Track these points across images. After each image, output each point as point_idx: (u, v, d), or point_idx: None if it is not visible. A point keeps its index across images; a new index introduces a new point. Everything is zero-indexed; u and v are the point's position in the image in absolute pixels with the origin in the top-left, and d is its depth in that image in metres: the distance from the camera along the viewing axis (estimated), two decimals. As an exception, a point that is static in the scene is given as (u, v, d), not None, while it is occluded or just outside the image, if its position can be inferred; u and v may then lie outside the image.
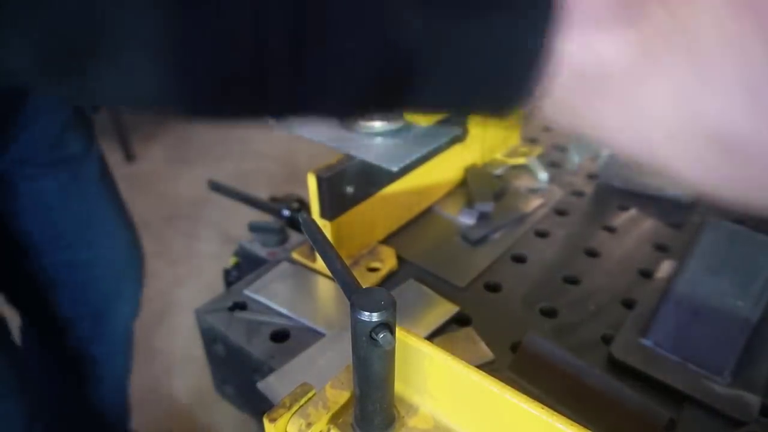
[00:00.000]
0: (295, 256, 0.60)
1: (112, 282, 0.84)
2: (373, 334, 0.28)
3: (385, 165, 0.50)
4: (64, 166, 0.75)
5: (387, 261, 0.58)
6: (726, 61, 0.19)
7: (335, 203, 0.54)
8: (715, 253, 0.52)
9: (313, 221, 0.37)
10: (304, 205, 0.67)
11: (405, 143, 0.55)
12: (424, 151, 0.54)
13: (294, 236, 0.66)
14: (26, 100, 0.68)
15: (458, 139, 0.58)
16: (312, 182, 0.53)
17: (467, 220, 0.65)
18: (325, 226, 0.55)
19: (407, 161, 0.51)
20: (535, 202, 0.70)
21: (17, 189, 0.72)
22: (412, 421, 0.35)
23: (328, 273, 0.38)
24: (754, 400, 0.41)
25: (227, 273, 0.70)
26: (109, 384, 0.95)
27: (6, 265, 0.75)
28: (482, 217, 0.65)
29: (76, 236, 0.78)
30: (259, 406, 0.49)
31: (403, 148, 0.54)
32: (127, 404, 1.04)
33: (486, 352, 0.47)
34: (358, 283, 0.32)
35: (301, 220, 0.37)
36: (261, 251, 0.64)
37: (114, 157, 0.80)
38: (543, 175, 0.75)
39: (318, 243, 0.36)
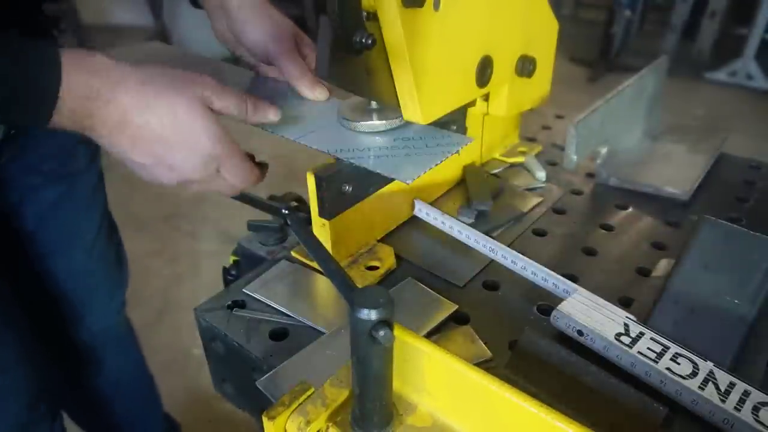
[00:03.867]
0: (294, 254, 0.60)
1: (84, 293, 0.84)
2: (373, 332, 0.28)
3: (399, 178, 0.50)
4: (64, 180, 0.75)
5: (386, 260, 0.58)
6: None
7: (334, 202, 0.54)
8: (712, 251, 0.52)
9: (303, 222, 0.38)
10: (303, 204, 0.67)
11: (406, 145, 0.55)
12: (437, 161, 0.52)
13: (293, 235, 0.66)
14: None
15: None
16: (311, 181, 0.53)
17: (465, 218, 0.65)
18: (324, 225, 0.55)
19: (421, 173, 0.50)
20: (533, 201, 0.70)
21: (16, 195, 0.72)
22: (410, 419, 0.35)
23: (327, 272, 0.38)
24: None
25: (226, 271, 0.70)
26: (118, 374, 0.95)
27: None
28: (480, 216, 0.65)
29: (57, 246, 0.78)
30: (259, 404, 0.49)
31: (410, 155, 0.52)
32: (150, 392, 1.05)
33: (484, 351, 0.47)
34: (354, 282, 0.32)
35: (290, 222, 0.37)
36: (260, 250, 0.64)
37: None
38: (541, 174, 0.76)
39: (310, 245, 0.36)
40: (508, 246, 0.56)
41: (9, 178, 0.70)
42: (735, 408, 0.39)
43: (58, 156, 0.74)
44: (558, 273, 0.52)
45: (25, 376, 0.70)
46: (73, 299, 0.83)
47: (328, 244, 0.56)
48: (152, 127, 0.44)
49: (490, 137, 0.77)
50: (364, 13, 0.50)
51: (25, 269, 0.78)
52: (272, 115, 0.53)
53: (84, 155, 0.78)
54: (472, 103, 0.68)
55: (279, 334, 0.51)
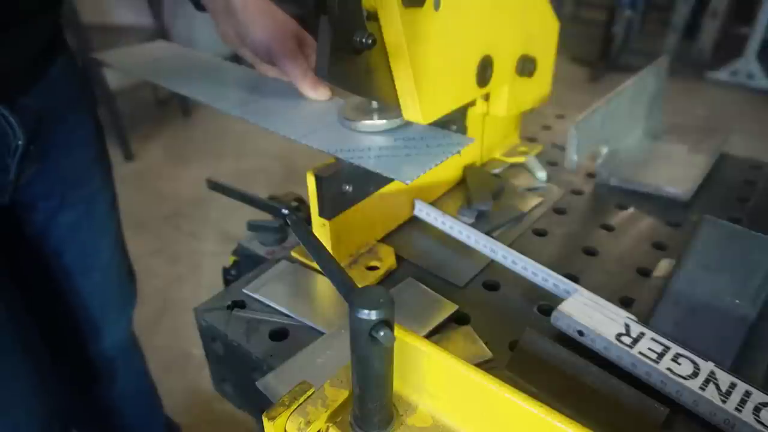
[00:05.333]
0: (294, 254, 0.60)
1: (99, 311, 0.85)
2: (373, 332, 0.28)
3: (399, 178, 0.50)
4: (83, 201, 0.76)
5: (386, 260, 0.58)
6: None
7: (334, 202, 0.54)
8: (712, 251, 0.52)
9: (303, 222, 0.38)
10: (303, 204, 0.67)
11: (407, 145, 0.54)
12: (437, 161, 0.52)
13: (293, 235, 0.66)
14: (67, 129, 0.69)
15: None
16: (311, 181, 0.53)
17: (466, 218, 0.65)
18: (324, 225, 0.55)
19: (421, 173, 0.50)
20: (533, 201, 0.70)
21: (39, 220, 0.72)
22: (410, 420, 0.35)
23: (327, 272, 0.38)
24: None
25: (226, 272, 0.70)
26: (123, 386, 0.95)
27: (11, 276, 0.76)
28: (481, 216, 0.65)
29: (76, 267, 0.79)
30: (259, 405, 0.49)
31: (411, 155, 0.52)
32: (153, 401, 1.06)
33: (484, 351, 0.47)
34: (354, 282, 0.32)
35: (290, 222, 0.37)
36: (260, 250, 0.64)
37: (113, 157, 0.81)
38: (542, 174, 0.76)
39: (310, 244, 0.36)
40: (509, 246, 0.56)
41: (32, 202, 0.70)
42: (736, 408, 0.39)
43: (76, 177, 0.74)
44: (558, 273, 0.52)
45: (40, 402, 0.70)
46: (89, 317, 0.84)
47: (328, 244, 0.56)
48: None
49: (490, 137, 0.77)
50: (365, 13, 0.50)
51: (44, 291, 0.78)
52: None
53: (100, 174, 0.78)
54: (473, 103, 0.68)
55: (279, 335, 0.51)
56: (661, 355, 0.43)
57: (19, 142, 0.59)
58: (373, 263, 0.58)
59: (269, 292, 0.55)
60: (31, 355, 0.69)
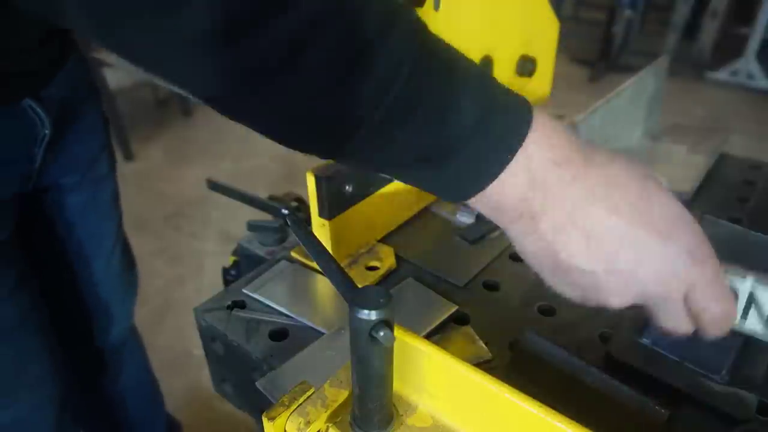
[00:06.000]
0: (294, 254, 0.60)
1: (104, 301, 0.85)
2: (373, 332, 0.28)
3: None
4: (90, 186, 0.77)
5: (386, 260, 0.58)
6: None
7: (334, 202, 0.54)
8: (712, 251, 0.52)
9: (303, 222, 0.38)
10: (303, 204, 0.67)
11: None
12: None
13: (293, 235, 0.66)
14: (79, 117, 0.70)
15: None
16: (311, 181, 0.53)
17: (465, 219, 0.65)
18: (324, 225, 0.55)
19: None
20: (533, 201, 0.70)
21: (54, 200, 0.73)
22: (410, 420, 0.35)
23: (327, 272, 0.38)
24: (751, 398, 0.41)
25: (226, 272, 0.70)
26: (127, 378, 0.96)
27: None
28: (480, 216, 0.65)
29: (82, 254, 0.79)
30: (258, 405, 0.49)
31: None
32: (155, 395, 1.07)
33: (484, 351, 0.47)
34: (354, 282, 0.32)
35: (290, 222, 0.37)
36: (260, 250, 0.64)
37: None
38: (541, 174, 0.75)
39: (310, 244, 0.36)
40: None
41: (43, 186, 0.71)
42: None
43: (85, 162, 0.75)
44: (558, 273, 0.52)
45: (57, 388, 0.72)
46: (94, 307, 0.84)
47: (328, 244, 0.56)
48: (620, 210, 0.33)
49: (490, 137, 0.77)
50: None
51: (53, 278, 0.78)
52: None
53: (105, 165, 0.79)
54: (473, 103, 0.68)
55: (279, 335, 0.51)
56: None
57: (47, 131, 0.61)
58: (373, 263, 0.58)
59: (269, 292, 0.55)
60: (47, 340, 0.71)
